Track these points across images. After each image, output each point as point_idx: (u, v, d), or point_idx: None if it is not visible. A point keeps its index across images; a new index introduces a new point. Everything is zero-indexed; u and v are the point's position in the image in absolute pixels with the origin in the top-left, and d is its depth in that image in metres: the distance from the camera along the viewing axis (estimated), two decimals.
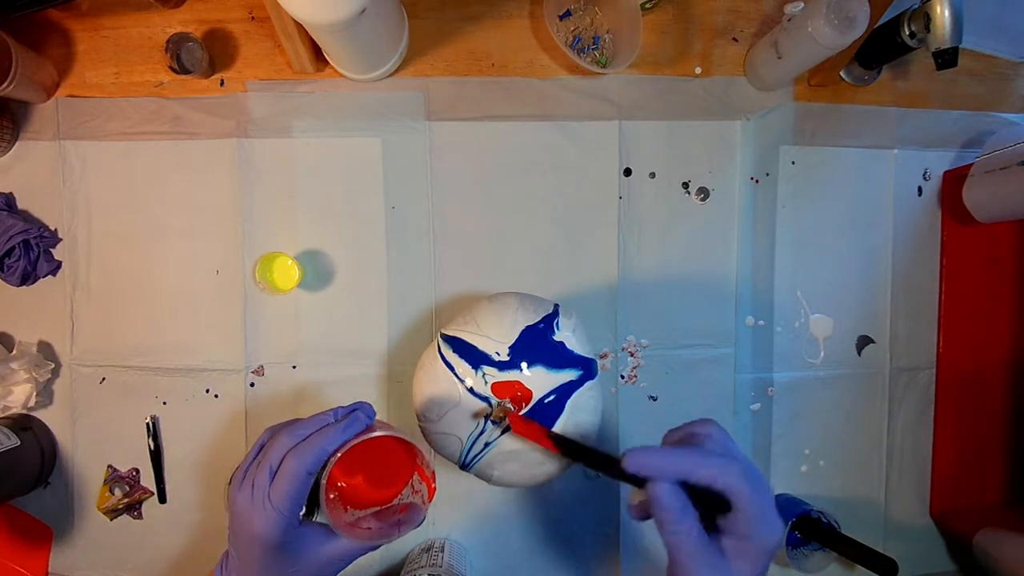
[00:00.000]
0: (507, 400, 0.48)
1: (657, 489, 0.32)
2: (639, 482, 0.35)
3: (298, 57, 0.60)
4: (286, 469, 0.37)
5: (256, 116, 0.63)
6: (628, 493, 0.37)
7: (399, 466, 0.46)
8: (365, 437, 0.40)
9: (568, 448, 0.45)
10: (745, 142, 0.66)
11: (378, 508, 0.45)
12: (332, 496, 0.43)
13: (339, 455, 0.39)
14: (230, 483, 0.41)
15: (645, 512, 0.35)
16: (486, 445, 0.49)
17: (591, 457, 0.43)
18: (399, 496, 0.46)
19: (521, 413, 0.48)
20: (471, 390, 0.49)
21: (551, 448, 0.45)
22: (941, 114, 0.70)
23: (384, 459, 0.46)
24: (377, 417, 0.44)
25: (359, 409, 0.42)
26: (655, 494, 0.32)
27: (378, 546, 0.42)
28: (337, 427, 0.39)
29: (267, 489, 0.37)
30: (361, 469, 0.45)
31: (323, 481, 0.39)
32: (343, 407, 0.43)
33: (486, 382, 0.49)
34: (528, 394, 0.49)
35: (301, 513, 0.39)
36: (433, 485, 0.44)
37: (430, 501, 0.44)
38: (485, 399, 0.49)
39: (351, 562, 0.41)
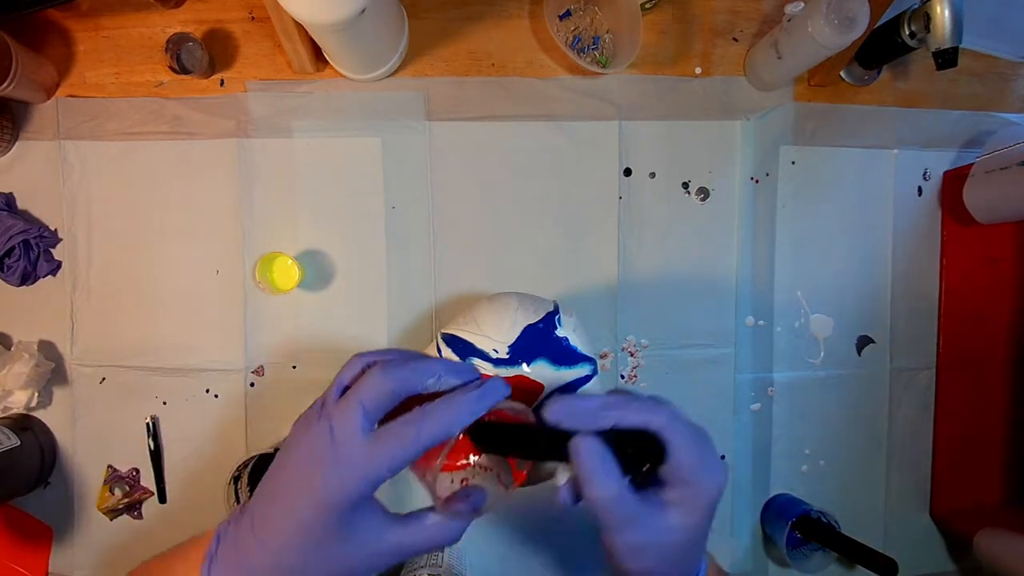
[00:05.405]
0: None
1: (578, 442, 0.30)
2: (563, 454, 0.31)
3: (298, 57, 0.60)
4: (407, 435, 0.29)
5: (256, 116, 0.63)
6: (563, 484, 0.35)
7: None
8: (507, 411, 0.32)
9: (491, 441, 0.35)
10: (745, 142, 0.66)
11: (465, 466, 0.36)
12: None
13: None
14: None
15: (575, 492, 0.33)
16: None
17: (516, 441, 0.35)
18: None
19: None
20: None
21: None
22: (941, 114, 0.70)
23: None
24: None
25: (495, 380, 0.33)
26: (575, 448, 0.30)
27: (440, 546, 0.35)
28: (470, 396, 0.31)
29: (358, 432, 0.29)
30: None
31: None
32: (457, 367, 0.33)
33: None
34: (538, 387, 0.48)
35: None
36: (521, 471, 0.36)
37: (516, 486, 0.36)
38: None
39: (400, 560, 0.34)
